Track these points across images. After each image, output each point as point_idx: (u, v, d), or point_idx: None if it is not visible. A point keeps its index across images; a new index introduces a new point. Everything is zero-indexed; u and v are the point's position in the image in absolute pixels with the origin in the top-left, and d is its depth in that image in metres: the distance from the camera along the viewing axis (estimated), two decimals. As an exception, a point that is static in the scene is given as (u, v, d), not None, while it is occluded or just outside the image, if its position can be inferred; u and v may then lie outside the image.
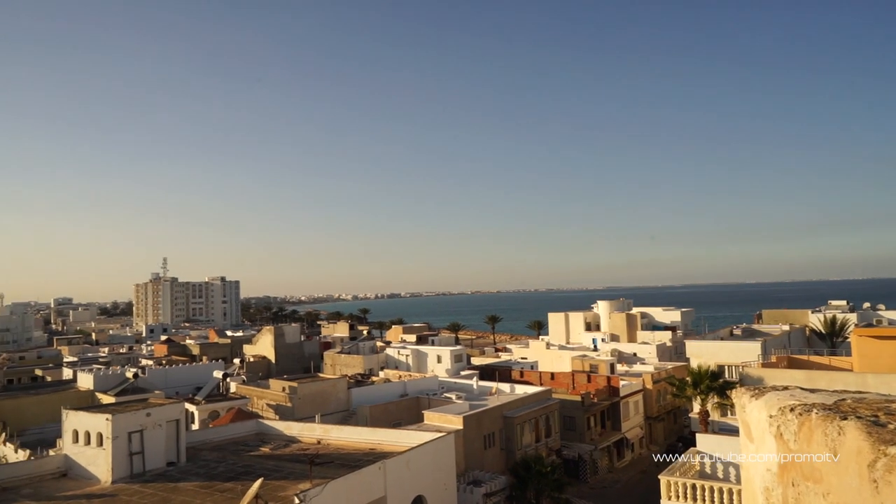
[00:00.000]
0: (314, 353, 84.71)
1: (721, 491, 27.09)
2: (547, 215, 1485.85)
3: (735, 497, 26.67)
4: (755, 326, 70.12)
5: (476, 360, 77.31)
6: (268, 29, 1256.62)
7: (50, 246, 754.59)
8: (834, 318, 67.84)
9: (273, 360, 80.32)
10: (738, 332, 65.02)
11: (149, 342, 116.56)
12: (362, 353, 79.63)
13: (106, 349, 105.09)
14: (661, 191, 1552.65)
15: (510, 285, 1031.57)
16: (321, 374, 65.67)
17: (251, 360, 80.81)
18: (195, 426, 46.44)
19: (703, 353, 49.74)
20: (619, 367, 64.16)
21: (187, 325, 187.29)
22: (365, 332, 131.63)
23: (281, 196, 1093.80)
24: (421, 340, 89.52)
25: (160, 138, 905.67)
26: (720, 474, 29.18)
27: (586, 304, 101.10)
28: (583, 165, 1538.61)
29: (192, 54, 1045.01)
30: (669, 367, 62.61)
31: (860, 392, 3.15)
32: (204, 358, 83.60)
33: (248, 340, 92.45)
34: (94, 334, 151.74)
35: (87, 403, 45.10)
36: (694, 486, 27.87)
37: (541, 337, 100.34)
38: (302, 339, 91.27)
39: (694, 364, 47.96)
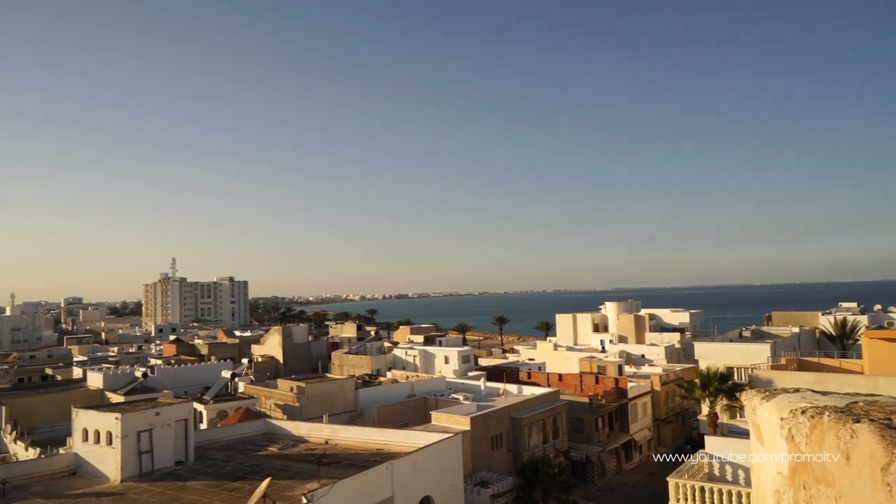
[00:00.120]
0: (322, 353, 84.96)
1: (730, 493, 26.92)
2: (555, 217, 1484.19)
3: (744, 500, 26.49)
4: (764, 328, 69.69)
5: (483, 361, 77.26)
6: (271, 30, 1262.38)
7: (60, 246, 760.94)
8: (844, 320, 67.36)
9: (281, 361, 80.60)
10: (747, 333, 64.63)
11: (158, 342, 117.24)
12: (370, 353, 79.75)
13: (115, 349, 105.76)
14: (669, 192, 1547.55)
15: (518, 286, 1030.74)
16: (329, 375, 65.90)
17: (259, 360, 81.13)
18: (203, 425, 46.65)
19: (712, 355, 49.48)
20: (627, 369, 63.93)
21: (196, 324, 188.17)
22: (372, 333, 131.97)
23: (289, 197, 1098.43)
24: (428, 341, 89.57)
25: (169, 139, 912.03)
26: (729, 477, 29.02)
27: (594, 306, 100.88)
28: (590, 167, 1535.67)
29: (197, 55, 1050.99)
30: (678, 368, 62.33)
31: (872, 395, 3.13)
32: (212, 358, 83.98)
33: (257, 340, 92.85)
34: (103, 334, 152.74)
35: (97, 402, 45.36)
36: (703, 489, 27.70)
37: (548, 338, 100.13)
38: (310, 339, 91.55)
39: (703, 366, 47.72)
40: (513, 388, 52.11)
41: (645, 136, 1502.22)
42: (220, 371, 64.90)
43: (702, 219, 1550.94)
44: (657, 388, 58.22)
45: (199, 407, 48.37)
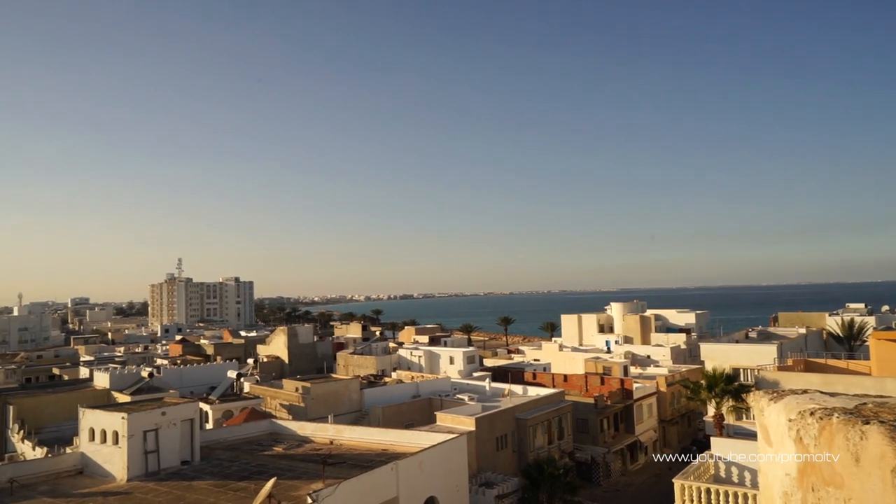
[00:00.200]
0: (327, 353, 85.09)
1: (736, 495, 26.80)
2: (560, 217, 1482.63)
3: (751, 501, 26.37)
4: (771, 329, 69.37)
5: (488, 362, 77.18)
6: (277, 30, 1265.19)
7: (67, 246, 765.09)
8: (852, 321, 66.92)
9: (286, 361, 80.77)
10: (753, 334, 64.34)
11: (164, 342, 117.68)
12: (375, 353, 79.85)
13: (122, 349, 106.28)
14: (675, 192, 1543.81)
15: (523, 287, 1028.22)
16: (334, 375, 65.96)
17: (265, 360, 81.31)
18: (209, 425, 46.79)
19: (718, 356, 49.29)
20: (633, 370, 63.78)
21: (202, 325, 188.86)
22: (377, 333, 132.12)
23: (294, 197, 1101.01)
24: (433, 341, 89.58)
25: (174, 139, 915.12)
26: (735, 478, 28.89)
27: (599, 306, 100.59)
28: (596, 167, 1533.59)
29: (199, 55, 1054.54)
30: (683, 369, 62.14)
31: (881, 396, 3.11)
32: (218, 358, 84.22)
33: (262, 341, 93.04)
34: (110, 334, 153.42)
35: (104, 402, 45.56)
36: (709, 491, 27.58)
37: (553, 339, 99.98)
38: (315, 339, 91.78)
39: (708, 367, 47.54)
40: (518, 388, 52.06)
41: (650, 136, 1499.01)
42: (226, 371, 65.11)
43: (708, 219, 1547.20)
44: (663, 389, 58.06)
45: (205, 407, 48.53)
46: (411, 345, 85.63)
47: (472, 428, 39.21)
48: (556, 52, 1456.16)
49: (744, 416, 43.08)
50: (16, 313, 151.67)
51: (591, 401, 50.98)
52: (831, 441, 2.52)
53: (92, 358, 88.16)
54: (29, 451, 42.76)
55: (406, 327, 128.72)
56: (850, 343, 63.96)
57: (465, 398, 49.48)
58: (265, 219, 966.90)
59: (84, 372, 69.67)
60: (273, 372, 73.53)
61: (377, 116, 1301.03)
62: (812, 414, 2.74)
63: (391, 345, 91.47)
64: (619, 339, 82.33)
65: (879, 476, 2.19)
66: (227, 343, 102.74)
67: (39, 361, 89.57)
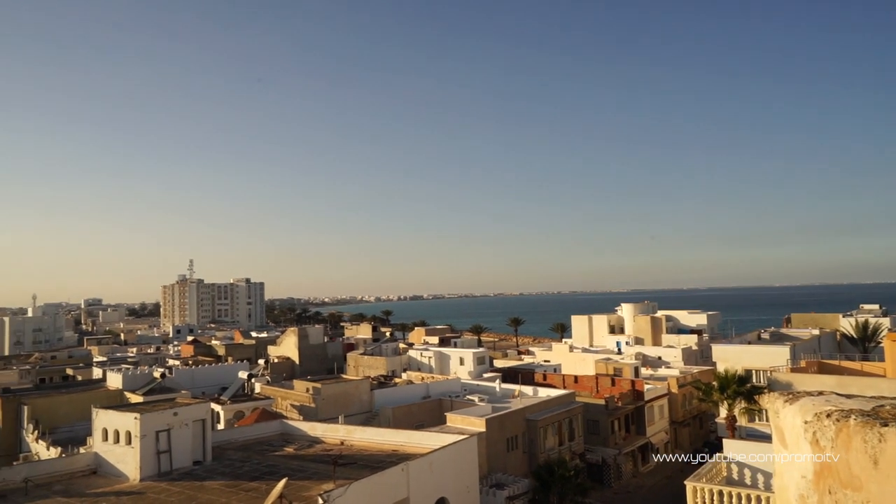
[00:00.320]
0: (337, 354, 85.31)
1: (749, 498, 26.58)
2: (570, 218, 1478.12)
3: (763, 504, 26.15)
4: (784, 330, 68.75)
5: (498, 363, 77.08)
6: (284, 32, 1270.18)
7: (80, 248, 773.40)
8: (866, 322, 66.14)
9: (297, 361, 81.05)
10: (765, 335, 63.79)
11: (175, 342, 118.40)
12: (385, 354, 79.93)
13: (134, 349, 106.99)
14: (686, 193, 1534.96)
15: (533, 287, 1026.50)
16: (344, 376, 66.13)
17: (275, 360, 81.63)
18: (221, 426, 47.03)
19: (730, 357, 48.93)
20: (644, 371, 63.45)
21: (213, 325, 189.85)
22: (387, 334, 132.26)
23: (305, 199, 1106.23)
24: (443, 342, 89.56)
25: (185, 142, 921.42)
26: (748, 481, 28.65)
27: (610, 307, 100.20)
28: (607, 167, 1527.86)
29: (211, 58, 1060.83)
30: (695, 371, 61.76)
31: (899, 398, 3.07)
32: (229, 358, 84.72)
33: (273, 341, 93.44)
34: (122, 334, 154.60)
35: (116, 402, 45.93)
36: (721, 493, 27.39)
37: (564, 340, 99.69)
38: (325, 340, 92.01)
39: (720, 368, 47.20)
40: (528, 389, 51.93)
41: (661, 136, 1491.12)
42: (237, 372, 65.43)
43: (720, 219, 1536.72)
44: (674, 390, 57.72)
45: (217, 407, 48.79)
46: (421, 346, 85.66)
47: (483, 429, 39.15)
48: (569, 52, 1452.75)
49: (756, 418, 42.74)
50: (30, 314, 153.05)
51: (602, 402, 50.76)
52: (848, 443, 2.49)
53: (105, 358, 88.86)
54: (43, 450, 43.19)
55: (416, 328, 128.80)
56: (865, 345, 63.24)
57: (476, 399, 49.43)
58: (276, 220, 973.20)
59: (97, 372, 70.26)
60: (284, 373, 73.82)
61: (387, 117, 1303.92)
62: (829, 416, 2.72)
63: (401, 346, 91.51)
64: (630, 341, 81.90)
65: (898, 479, 2.16)
66: (238, 344, 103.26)
67: (53, 362, 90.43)
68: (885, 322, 69.57)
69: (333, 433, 34.01)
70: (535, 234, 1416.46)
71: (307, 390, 51.11)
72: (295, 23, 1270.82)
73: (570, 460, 43.44)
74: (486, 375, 62.56)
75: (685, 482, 28.79)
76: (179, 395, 47.38)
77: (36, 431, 47.05)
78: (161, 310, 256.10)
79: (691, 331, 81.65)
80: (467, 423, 40.35)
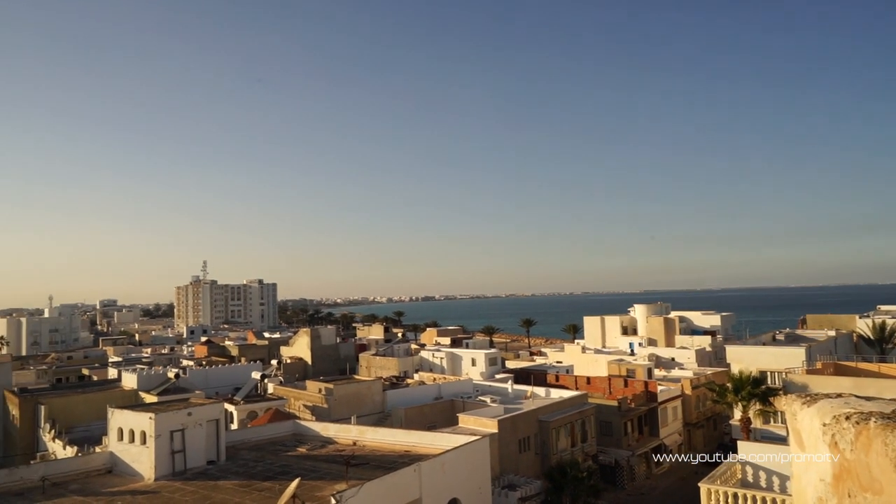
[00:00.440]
0: (350, 354, 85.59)
1: (765, 500, 26.33)
2: (582, 218, 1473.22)
3: (779, 507, 25.89)
4: (799, 332, 68.10)
5: (511, 364, 76.95)
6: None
7: (96, 250, 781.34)
8: (883, 323, 65.29)
9: (309, 362, 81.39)
10: (780, 337, 63.25)
11: (189, 343, 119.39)
12: (397, 355, 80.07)
13: (149, 350, 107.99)
14: (698, 193, 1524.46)
15: (545, 288, 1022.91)
16: (356, 376, 66.29)
17: (288, 361, 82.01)
18: (234, 426, 47.34)
19: (745, 359, 48.52)
20: (657, 372, 63.05)
21: (226, 326, 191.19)
22: (399, 335, 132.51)
23: (317, 200, 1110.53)
24: (455, 343, 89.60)
25: (201, 144, 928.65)
26: (763, 483, 28.39)
27: (623, 308, 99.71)
28: (618, 168, 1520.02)
29: (221, 59, 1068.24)
30: (709, 372, 61.28)
31: (919, 400, 3.03)
32: (242, 359, 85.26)
33: (285, 342, 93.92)
34: (137, 335, 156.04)
35: (131, 402, 46.35)
36: (736, 496, 27.16)
37: (576, 341, 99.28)
38: (338, 341, 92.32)
39: (735, 369, 46.83)
40: (540, 390, 51.79)
41: (674, 137, 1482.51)
42: (250, 372, 65.81)
43: (733, 220, 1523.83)
44: (688, 391, 57.31)
45: (230, 407, 49.11)
46: (433, 346, 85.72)
47: (495, 430, 39.10)
48: (577, 53, 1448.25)
49: (771, 420, 42.37)
50: (46, 315, 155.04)
51: (615, 403, 50.51)
52: (868, 446, 2.46)
53: (120, 359, 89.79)
54: (60, 450, 43.68)
55: (428, 329, 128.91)
56: (882, 346, 62.45)
57: (488, 400, 49.37)
58: (288, 222, 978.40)
59: (112, 373, 70.96)
60: (296, 373, 74.16)
61: (397, 119, 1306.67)
62: (848, 418, 2.69)
63: (413, 346, 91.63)
64: (643, 342, 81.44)
65: (920, 482, 2.13)
66: (252, 344, 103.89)
67: (69, 362, 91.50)
68: (903, 323, 68.58)
69: (346, 433, 34.10)
70: (548, 235, 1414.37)
71: (320, 391, 51.29)
72: (295, 23, 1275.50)
73: (582, 462, 43.28)
74: (498, 376, 62.46)
75: (699, 484, 28.59)
76: (193, 396, 47.70)
77: (53, 431, 47.61)
78: (175, 311, 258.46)
79: (705, 332, 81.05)
80: (479, 424, 40.31)
